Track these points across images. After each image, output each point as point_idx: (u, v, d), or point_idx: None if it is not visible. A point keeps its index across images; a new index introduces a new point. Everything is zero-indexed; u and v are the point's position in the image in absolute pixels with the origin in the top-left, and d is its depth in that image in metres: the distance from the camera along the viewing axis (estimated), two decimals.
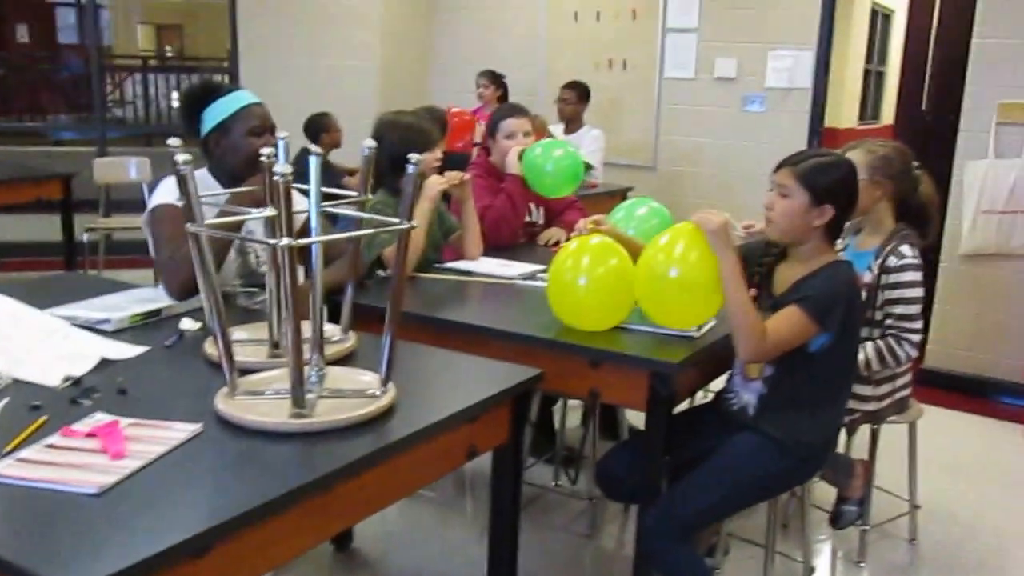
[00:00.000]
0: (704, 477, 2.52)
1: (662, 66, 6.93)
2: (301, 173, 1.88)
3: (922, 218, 3.08)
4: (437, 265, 3.42)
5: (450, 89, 7.76)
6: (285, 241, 1.72)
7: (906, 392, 3.20)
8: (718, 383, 2.86)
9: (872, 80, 10.79)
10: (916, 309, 2.97)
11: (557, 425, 4.01)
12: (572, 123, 6.50)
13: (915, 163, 3.14)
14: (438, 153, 3.47)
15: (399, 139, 3.27)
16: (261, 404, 1.89)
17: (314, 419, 1.83)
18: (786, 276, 2.56)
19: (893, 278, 2.96)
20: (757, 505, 2.83)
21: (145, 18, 17.40)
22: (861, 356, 2.94)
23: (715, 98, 6.72)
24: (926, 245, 3.10)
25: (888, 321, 2.99)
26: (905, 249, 2.97)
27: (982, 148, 5.05)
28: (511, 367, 2.25)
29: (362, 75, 7.66)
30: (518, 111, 3.93)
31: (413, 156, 1.89)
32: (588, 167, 6.09)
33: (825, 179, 2.44)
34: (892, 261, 2.96)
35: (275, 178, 1.70)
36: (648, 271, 2.50)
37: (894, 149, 3.09)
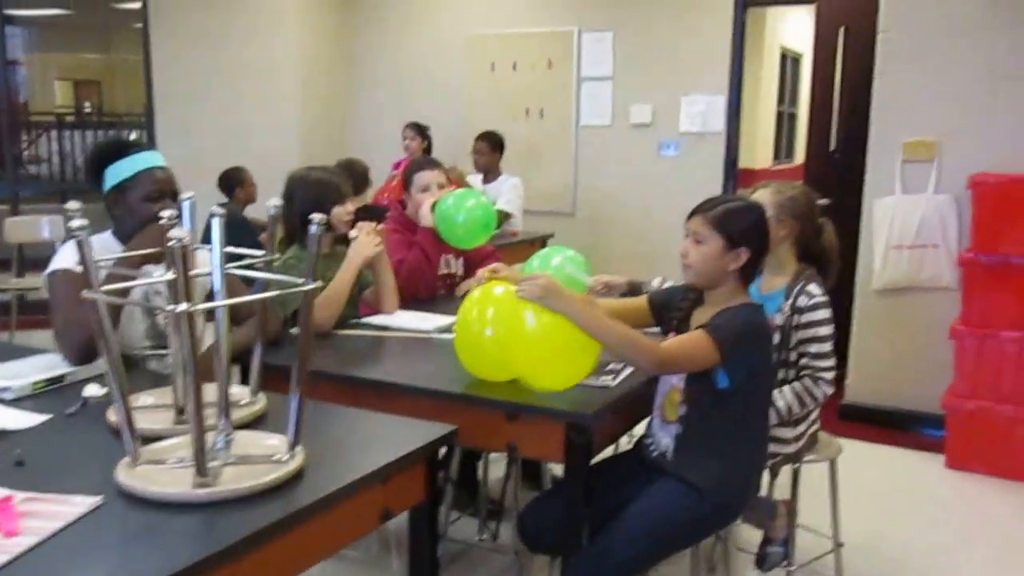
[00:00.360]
0: (624, 529, 2.49)
1: (579, 114, 7.06)
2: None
3: (823, 262, 3.13)
4: (353, 321, 3.38)
5: (371, 142, 7.78)
6: (183, 307, 1.68)
7: (816, 427, 3.24)
8: (641, 428, 2.85)
9: (785, 121, 11.11)
10: (829, 347, 3.01)
11: (480, 478, 3.97)
12: (489, 173, 6.60)
13: (820, 207, 3.22)
14: (350, 207, 3.45)
15: (309, 195, 3.27)
16: (164, 474, 1.83)
17: (218, 488, 1.77)
18: (702, 319, 2.57)
19: (806, 318, 2.99)
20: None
21: (63, 74, 17.16)
22: (782, 403, 2.98)
23: (631, 144, 6.83)
24: (829, 289, 3.14)
25: (803, 361, 3.01)
26: (813, 288, 3.02)
27: (889, 185, 5.19)
28: (425, 424, 2.21)
29: (280, 128, 7.62)
30: (432, 164, 3.95)
31: (315, 216, 1.87)
32: (507, 215, 6.20)
33: (738, 223, 2.49)
34: (803, 301, 3.00)
35: (170, 243, 1.66)
36: (519, 343, 2.49)
37: (801, 192, 3.16)
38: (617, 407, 2.57)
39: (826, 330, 3.00)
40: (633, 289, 3.35)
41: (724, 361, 2.40)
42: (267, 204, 2.13)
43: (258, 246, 2.13)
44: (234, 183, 6.47)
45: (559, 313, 2.35)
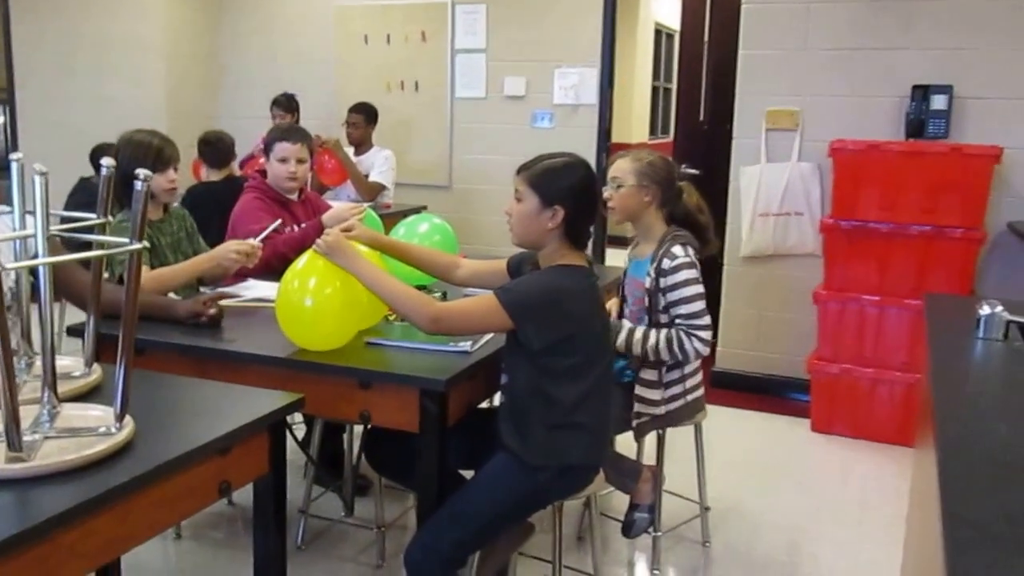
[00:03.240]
0: (459, 505, 2.46)
1: (453, 86, 6.94)
2: (84, 203, 1.73)
3: (692, 226, 3.14)
4: (203, 289, 3.27)
5: (241, 114, 7.54)
6: None
7: (699, 393, 3.24)
8: None
9: (660, 96, 11.23)
10: (700, 306, 3.00)
11: (347, 452, 3.88)
12: (362, 145, 6.52)
13: (680, 172, 3.23)
14: (172, 175, 3.32)
15: (128, 156, 3.17)
16: None
17: (34, 463, 1.65)
18: None
19: (670, 280, 2.99)
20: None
21: None
22: (651, 342, 2.98)
23: (505, 116, 6.75)
24: (709, 254, 3.18)
25: (677, 322, 3.02)
26: (677, 249, 3.02)
27: (754, 154, 5.27)
28: (269, 393, 2.12)
29: (147, 101, 7.35)
30: (294, 134, 3.82)
31: (141, 172, 1.75)
32: (380, 187, 6.10)
33: (554, 181, 2.45)
34: (666, 263, 3.00)
35: None
36: (290, 303, 2.57)
37: (659, 158, 3.18)
38: (475, 373, 2.52)
39: (692, 290, 3.00)
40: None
41: (517, 325, 2.35)
42: (102, 162, 2.00)
43: None
44: (104, 157, 6.25)
45: (343, 269, 2.48)
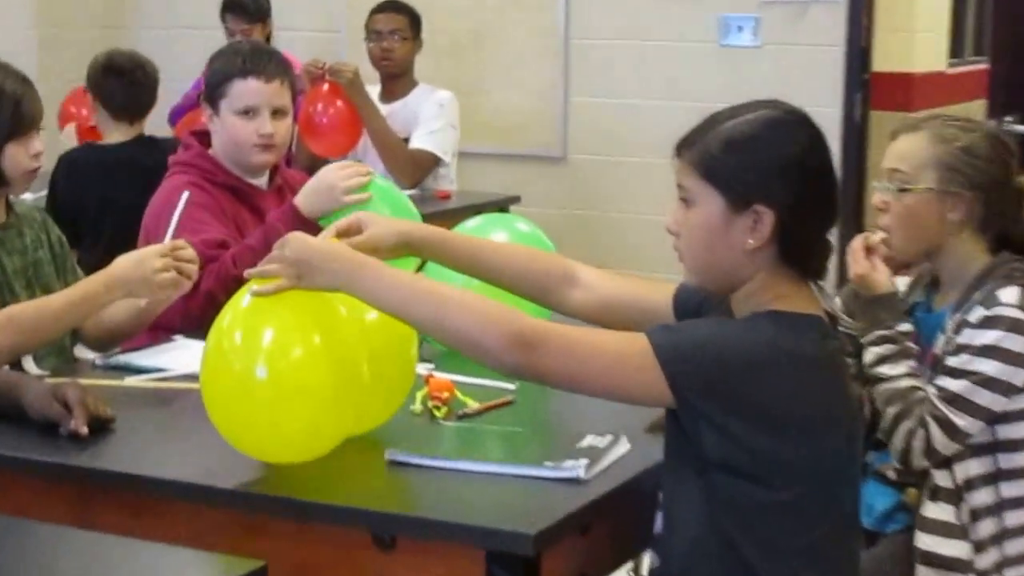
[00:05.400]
0: None
1: None
2: None
3: None
4: (99, 360, 2.25)
5: (170, 23, 5.24)
6: None
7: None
8: None
9: None
10: (988, 398, 1.94)
11: None
12: (398, 81, 4.25)
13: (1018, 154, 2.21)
14: (38, 144, 2.26)
15: None
16: None
17: None
18: None
19: (966, 337, 1.97)
20: None
21: None
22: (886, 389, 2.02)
23: (667, 26, 4.57)
24: None
25: (932, 391, 1.97)
26: (1006, 294, 1.99)
27: None
28: (203, 562, 1.46)
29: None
30: (263, 63, 2.54)
31: None
32: (430, 159, 4.17)
33: (750, 160, 1.64)
34: (976, 313, 1.99)
35: None
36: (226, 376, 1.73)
37: (981, 136, 2.13)
38: (595, 518, 1.67)
39: (995, 366, 1.93)
40: None
41: (681, 400, 1.56)
42: None
43: None
44: None
45: (330, 291, 1.69)
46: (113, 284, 2.11)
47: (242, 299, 1.72)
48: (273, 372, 1.65)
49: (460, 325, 1.62)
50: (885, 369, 2.02)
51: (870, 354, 2.03)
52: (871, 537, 2.03)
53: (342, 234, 1.79)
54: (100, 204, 3.26)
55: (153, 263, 2.06)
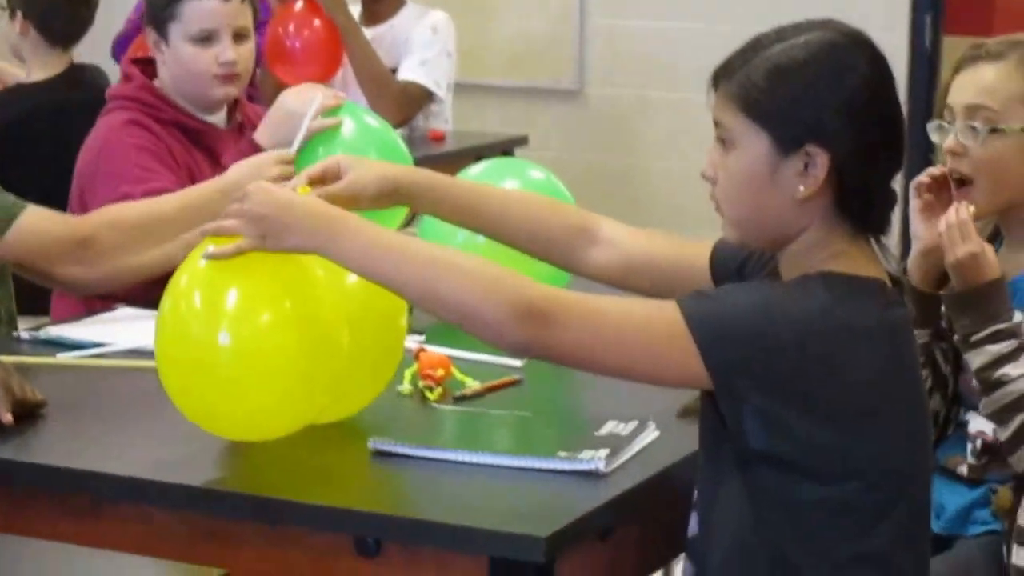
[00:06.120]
0: None
1: None
2: None
3: None
4: (25, 334, 2.09)
5: None
6: None
7: None
8: None
9: None
10: None
11: None
12: (383, 1, 3.95)
13: None
14: None
15: None
16: None
17: None
18: None
19: None
20: None
21: None
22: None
23: None
24: None
25: None
26: None
27: None
28: (164, 571, 1.51)
29: None
30: None
31: None
32: (423, 93, 3.85)
33: (801, 91, 1.50)
34: None
35: None
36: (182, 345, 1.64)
37: None
38: (617, 519, 1.57)
39: None
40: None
41: (717, 381, 1.46)
42: None
43: None
44: None
45: (300, 253, 1.56)
46: (230, 190, 2.02)
47: (200, 257, 1.57)
48: (237, 337, 1.55)
49: (456, 293, 1.49)
50: (1008, 370, 1.83)
51: (984, 354, 1.83)
52: (940, 542, 1.87)
53: (316, 181, 1.61)
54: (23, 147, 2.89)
55: (271, 170, 2.00)
